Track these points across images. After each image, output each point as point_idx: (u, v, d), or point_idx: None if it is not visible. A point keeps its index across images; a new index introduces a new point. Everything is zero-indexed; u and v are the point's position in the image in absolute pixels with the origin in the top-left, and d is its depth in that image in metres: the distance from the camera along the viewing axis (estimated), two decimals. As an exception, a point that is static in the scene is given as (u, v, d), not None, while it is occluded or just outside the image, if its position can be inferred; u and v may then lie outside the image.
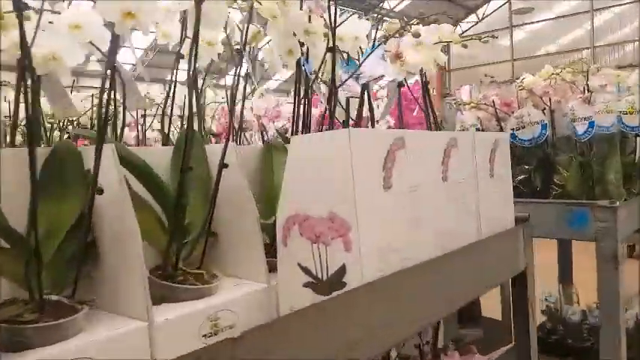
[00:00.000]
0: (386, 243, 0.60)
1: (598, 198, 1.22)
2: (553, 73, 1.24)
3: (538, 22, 11.95)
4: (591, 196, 1.23)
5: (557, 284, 2.18)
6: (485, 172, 0.86)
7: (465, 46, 0.87)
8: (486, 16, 12.54)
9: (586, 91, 1.20)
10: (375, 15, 10.71)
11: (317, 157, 0.60)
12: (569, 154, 1.25)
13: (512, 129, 1.28)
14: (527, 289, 0.93)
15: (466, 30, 13.01)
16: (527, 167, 1.29)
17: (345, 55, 0.71)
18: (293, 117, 0.66)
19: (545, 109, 1.28)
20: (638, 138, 1.32)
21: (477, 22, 12.75)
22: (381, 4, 10.63)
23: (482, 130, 1.38)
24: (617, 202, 1.18)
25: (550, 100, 1.25)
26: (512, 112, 1.27)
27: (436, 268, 0.69)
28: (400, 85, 0.89)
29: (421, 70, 0.93)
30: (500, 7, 12.14)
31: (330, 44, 0.66)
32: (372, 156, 0.59)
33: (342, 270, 0.58)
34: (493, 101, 1.29)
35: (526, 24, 12.05)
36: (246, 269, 0.68)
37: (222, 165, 0.64)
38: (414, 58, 0.84)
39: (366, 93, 0.77)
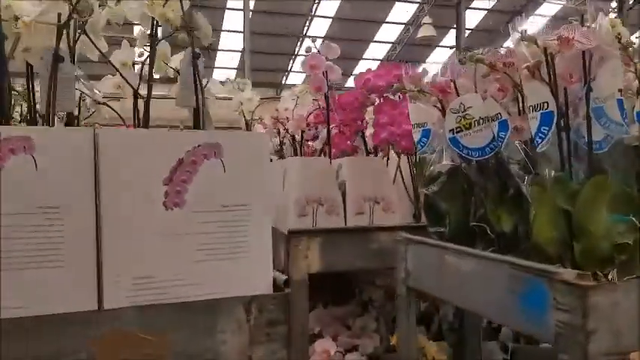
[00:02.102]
0: None
1: (576, 264, 0.65)
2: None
3: None
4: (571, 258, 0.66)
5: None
6: (148, 203, 0.50)
7: None
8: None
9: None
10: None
11: None
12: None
13: (452, 130, 0.77)
14: None
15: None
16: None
17: None
18: None
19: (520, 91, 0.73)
20: None
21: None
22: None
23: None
24: (602, 278, 0.61)
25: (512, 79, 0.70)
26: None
27: None
28: (195, 56, 0.70)
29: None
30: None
31: None
32: None
33: None
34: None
35: None
36: None
37: None
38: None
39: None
